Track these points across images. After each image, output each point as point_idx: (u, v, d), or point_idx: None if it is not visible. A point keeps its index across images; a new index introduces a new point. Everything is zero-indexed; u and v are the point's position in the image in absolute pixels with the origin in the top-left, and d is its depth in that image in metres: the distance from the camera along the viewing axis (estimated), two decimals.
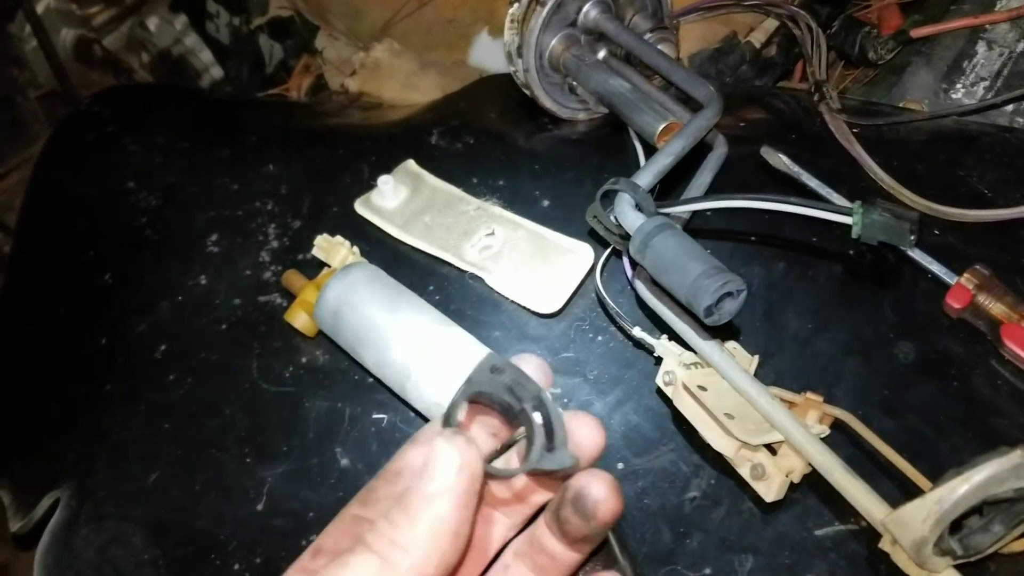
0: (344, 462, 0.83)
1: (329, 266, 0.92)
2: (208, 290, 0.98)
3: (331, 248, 0.92)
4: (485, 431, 0.53)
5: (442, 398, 0.75)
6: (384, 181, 0.98)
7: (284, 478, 0.83)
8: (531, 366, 0.52)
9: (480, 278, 0.92)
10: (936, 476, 0.63)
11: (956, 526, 0.63)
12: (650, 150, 0.96)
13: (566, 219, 0.96)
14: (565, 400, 0.84)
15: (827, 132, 1.01)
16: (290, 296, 0.92)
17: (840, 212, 0.77)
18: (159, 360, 0.94)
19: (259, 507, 0.81)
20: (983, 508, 0.63)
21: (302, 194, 1.06)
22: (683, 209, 0.85)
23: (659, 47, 1.08)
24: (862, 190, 0.94)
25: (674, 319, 0.80)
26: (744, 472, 0.73)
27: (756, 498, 0.74)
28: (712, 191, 0.93)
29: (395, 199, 1.00)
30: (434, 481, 0.43)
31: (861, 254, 0.88)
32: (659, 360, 0.81)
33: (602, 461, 0.74)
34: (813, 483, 0.73)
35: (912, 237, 0.76)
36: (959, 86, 1.20)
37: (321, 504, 0.81)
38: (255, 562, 0.79)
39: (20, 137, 1.90)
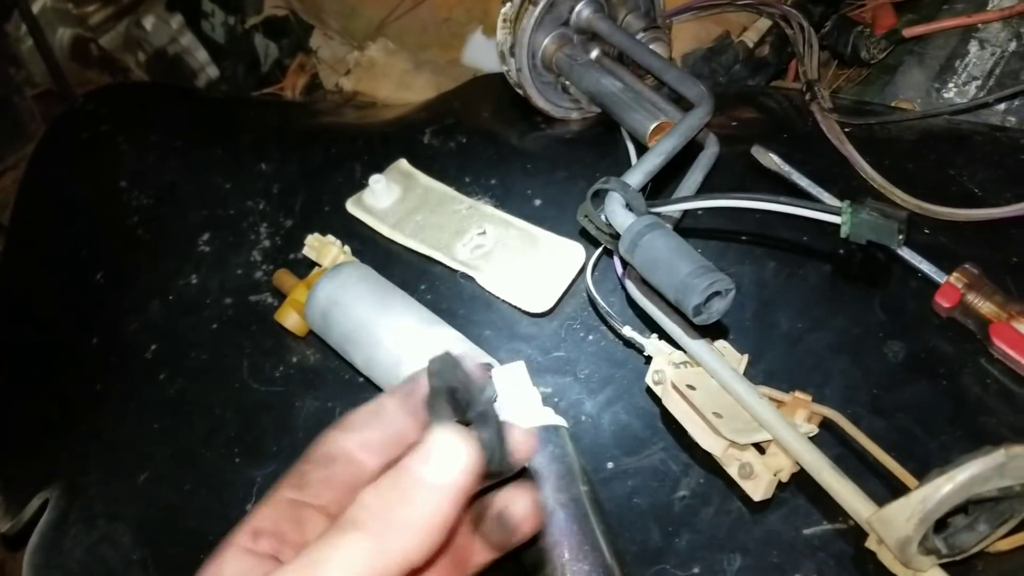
0: None
1: (320, 265, 0.92)
2: (200, 289, 0.98)
3: (322, 247, 0.92)
4: None
5: None
6: (376, 180, 0.99)
7: (274, 478, 0.82)
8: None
9: (471, 277, 0.92)
10: (924, 475, 0.63)
11: (941, 525, 0.63)
12: (642, 149, 0.96)
13: (558, 218, 0.96)
14: (556, 399, 0.84)
15: (819, 131, 1.01)
16: (281, 296, 0.92)
17: (829, 211, 0.77)
18: (150, 359, 0.94)
19: (248, 507, 0.81)
20: (968, 507, 0.63)
21: (295, 193, 1.06)
22: (673, 208, 0.85)
23: (651, 47, 1.08)
24: (853, 189, 0.94)
25: (663, 318, 0.80)
26: (732, 471, 0.73)
27: (745, 497, 0.74)
28: (704, 190, 0.93)
29: (387, 198, 1.00)
30: (439, 474, 0.43)
31: (851, 253, 0.88)
32: (649, 359, 0.81)
33: (592, 460, 0.75)
34: (801, 482, 0.73)
35: (900, 236, 0.76)
36: (951, 85, 1.20)
37: None
38: None
39: (17, 136, 1.90)
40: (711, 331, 0.82)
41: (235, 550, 0.45)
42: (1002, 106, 1.13)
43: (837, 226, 0.80)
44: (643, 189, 0.89)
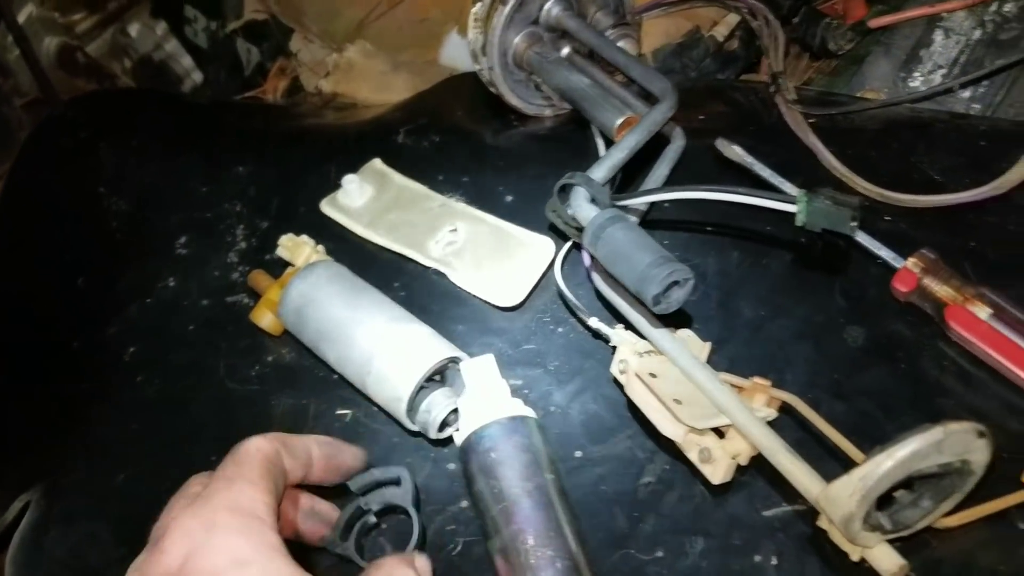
0: None
1: (294, 265, 0.93)
2: (177, 291, 1.00)
3: (295, 247, 0.94)
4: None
5: (402, 392, 0.77)
6: (349, 180, 1.00)
7: None
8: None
9: (444, 274, 0.94)
10: None
11: (887, 501, 0.65)
12: (612, 144, 0.97)
13: (529, 213, 0.98)
14: (526, 391, 0.86)
15: (783, 123, 1.03)
16: (257, 296, 0.93)
17: (785, 200, 0.79)
18: (129, 362, 0.95)
19: None
20: (913, 483, 0.64)
21: (271, 195, 1.07)
22: (635, 201, 0.87)
23: (620, 43, 1.10)
24: (817, 179, 0.96)
25: (627, 308, 0.82)
26: (692, 456, 0.74)
27: (707, 481, 0.76)
28: (670, 182, 0.95)
29: (361, 198, 1.02)
30: None
31: (812, 242, 0.90)
32: (615, 349, 0.82)
33: (561, 449, 0.77)
34: (761, 466, 0.74)
35: (854, 223, 0.78)
36: (917, 74, 1.21)
37: None
38: None
39: (5, 145, 1.91)
40: (676, 320, 0.83)
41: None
42: (967, 93, 1.15)
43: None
44: (612, 181, 0.91)
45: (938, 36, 1.23)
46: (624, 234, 0.78)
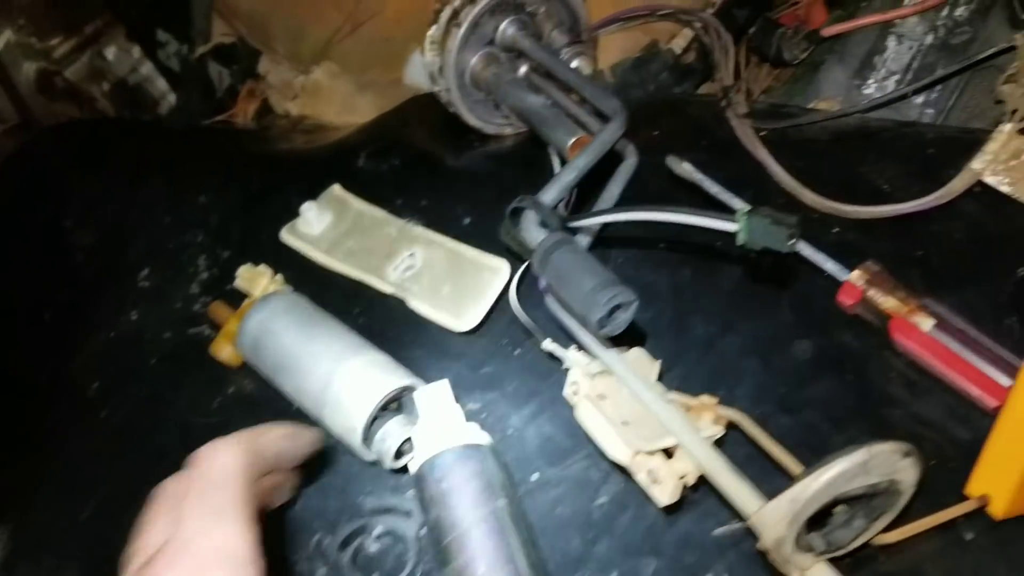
0: None
1: (251, 297, 0.94)
2: (139, 325, 1.01)
3: (253, 278, 0.95)
4: None
5: (355, 423, 0.78)
6: (307, 208, 1.01)
7: None
8: None
9: (402, 299, 0.95)
10: None
11: (822, 521, 0.66)
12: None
13: (488, 235, 0.99)
14: (484, 415, 0.87)
15: (735, 137, 1.04)
16: (218, 328, 0.94)
17: (725, 220, 0.80)
18: (93, 396, 0.96)
19: None
20: (846, 503, 0.66)
21: (233, 224, 1.08)
22: (584, 223, 0.88)
23: (575, 62, 1.11)
24: (767, 192, 0.97)
25: (578, 330, 0.83)
26: (640, 477, 0.75)
27: None
28: (624, 200, 0.97)
29: (320, 225, 1.03)
30: None
31: (762, 256, 0.91)
32: (569, 371, 0.84)
33: (518, 472, 0.78)
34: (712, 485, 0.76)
35: (791, 242, 0.79)
36: (871, 81, 1.23)
37: None
38: None
39: None
40: (630, 339, 0.85)
41: None
42: (920, 99, 1.17)
43: None
44: (568, 200, 0.92)
45: (891, 42, 1.24)
46: (570, 258, 0.79)
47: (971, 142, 0.96)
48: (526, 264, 0.94)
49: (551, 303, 0.87)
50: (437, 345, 0.93)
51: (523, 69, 1.13)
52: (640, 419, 0.77)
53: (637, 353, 0.84)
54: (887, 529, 0.69)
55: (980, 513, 0.74)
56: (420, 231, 1.00)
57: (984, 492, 0.72)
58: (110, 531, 0.84)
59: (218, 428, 0.85)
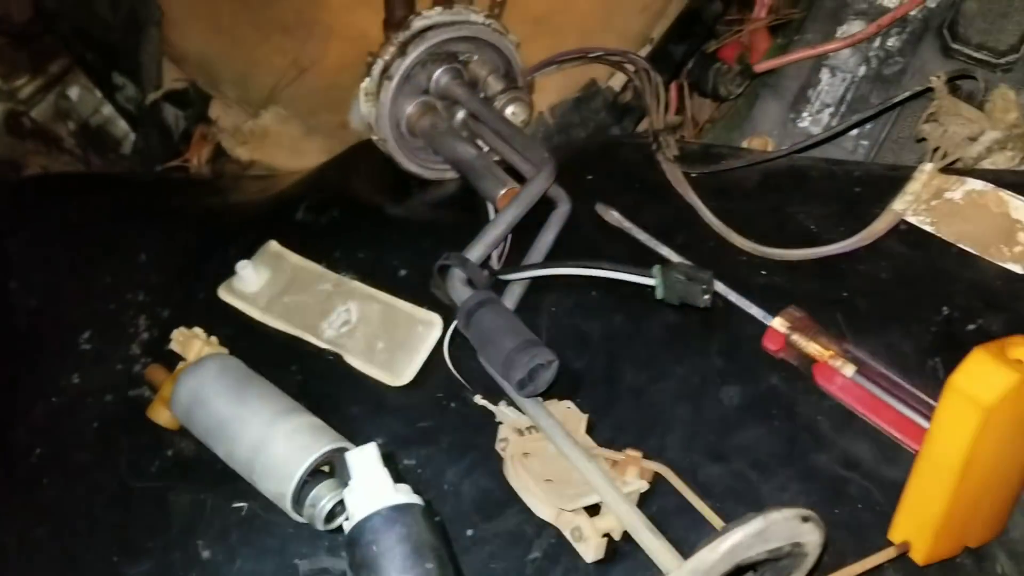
0: (206, 554, 0.86)
1: (185, 360, 0.95)
2: (81, 388, 1.01)
3: (186, 341, 0.95)
4: None
5: (285, 488, 0.79)
6: (242, 266, 1.02)
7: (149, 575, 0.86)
8: None
9: (339, 355, 0.96)
10: None
11: None
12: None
13: (423, 287, 0.99)
14: (419, 471, 0.88)
15: (666, 180, 1.05)
16: (156, 390, 0.95)
17: (644, 275, 0.81)
18: (34, 464, 0.97)
19: None
20: (754, 567, 0.67)
21: (172, 283, 1.09)
22: (512, 277, 0.89)
23: (511, 107, 1.12)
24: (696, 236, 0.98)
25: (506, 385, 0.83)
26: (567, 534, 0.76)
27: None
28: (558, 246, 0.98)
29: (256, 282, 1.03)
30: None
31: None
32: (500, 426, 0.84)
33: (453, 528, 0.79)
34: None
35: (706, 297, 0.80)
36: (806, 115, 1.24)
37: None
38: None
39: None
40: (560, 390, 0.86)
41: None
42: (855, 132, 1.18)
43: None
44: (502, 249, 0.93)
45: (824, 75, 1.26)
46: (491, 318, 0.80)
47: (897, 179, 0.97)
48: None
49: (482, 357, 0.87)
50: (373, 400, 0.93)
51: (460, 116, 1.14)
52: (566, 476, 0.77)
53: (566, 406, 0.85)
54: None
55: (906, 557, 0.74)
56: (356, 285, 1.01)
57: (905, 538, 0.73)
58: None
59: (157, 493, 0.86)
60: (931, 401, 0.78)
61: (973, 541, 0.74)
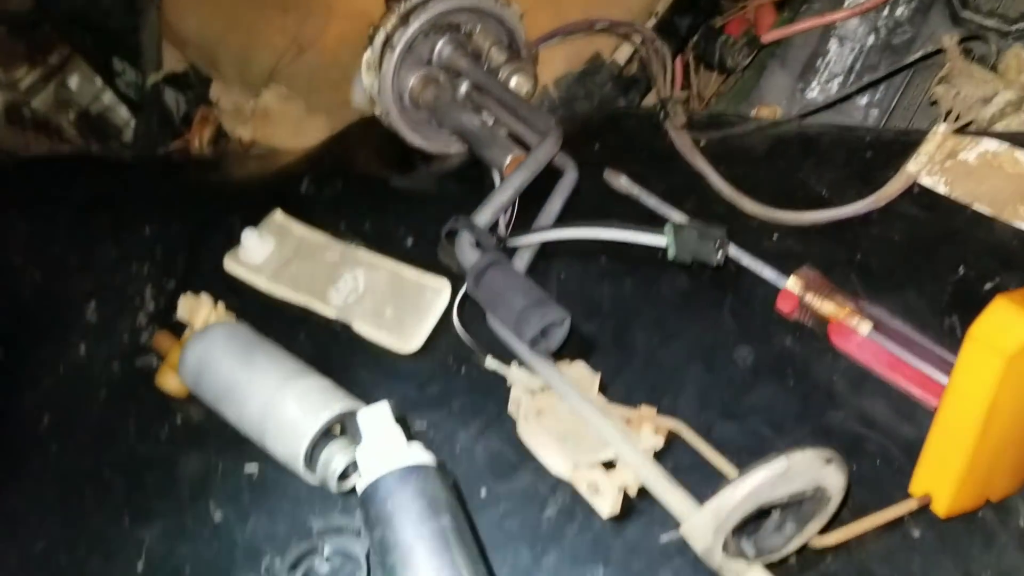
0: (217, 516, 0.85)
1: (192, 327, 0.94)
2: (87, 358, 1.01)
3: (193, 308, 0.95)
4: None
5: (297, 449, 0.78)
6: (248, 235, 1.01)
7: (161, 537, 0.85)
8: None
9: (347, 323, 0.95)
10: None
11: (757, 526, 0.66)
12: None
13: (431, 256, 0.99)
14: (431, 434, 0.87)
15: (674, 148, 1.04)
16: (163, 358, 0.94)
17: (655, 234, 0.80)
18: (43, 432, 0.96)
19: (139, 567, 0.84)
20: (777, 509, 0.66)
21: (177, 254, 1.08)
22: (520, 242, 0.89)
23: (514, 78, 1.11)
24: (706, 203, 0.98)
25: (517, 346, 0.83)
26: (582, 490, 0.76)
27: None
28: (565, 214, 0.97)
29: (262, 252, 1.02)
30: None
31: (703, 266, 0.91)
32: (512, 388, 0.84)
33: (466, 489, 0.78)
34: None
35: (719, 254, 0.79)
36: (814, 84, 1.24)
37: (197, 559, 0.83)
38: None
39: None
40: (571, 353, 0.85)
41: None
42: (864, 100, 1.17)
43: None
44: (509, 217, 0.92)
45: (833, 45, 1.25)
46: (501, 278, 0.79)
47: (908, 143, 0.97)
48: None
49: (493, 320, 0.87)
50: (383, 367, 0.93)
51: (463, 87, 1.14)
52: (580, 433, 0.77)
53: (578, 367, 0.84)
54: (827, 531, 0.69)
55: (927, 511, 0.74)
56: (362, 254, 1.00)
57: (926, 491, 0.72)
58: (61, 566, 0.84)
59: (166, 458, 0.86)
60: (949, 357, 0.77)
61: (995, 495, 0.74)
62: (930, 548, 0.74)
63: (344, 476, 0.80)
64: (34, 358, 1.04)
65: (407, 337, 0.92)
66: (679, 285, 0.92)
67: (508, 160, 0.97)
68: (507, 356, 0.86)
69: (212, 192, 1.20)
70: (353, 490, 0.82)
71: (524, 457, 0.83)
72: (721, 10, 1.42)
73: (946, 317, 0.84)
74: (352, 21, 1.36)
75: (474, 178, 1.09)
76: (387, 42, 1.05)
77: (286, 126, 1.53)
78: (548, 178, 1.00)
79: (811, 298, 0.83)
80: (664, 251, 0.90)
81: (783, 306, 0.84)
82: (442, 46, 1.10)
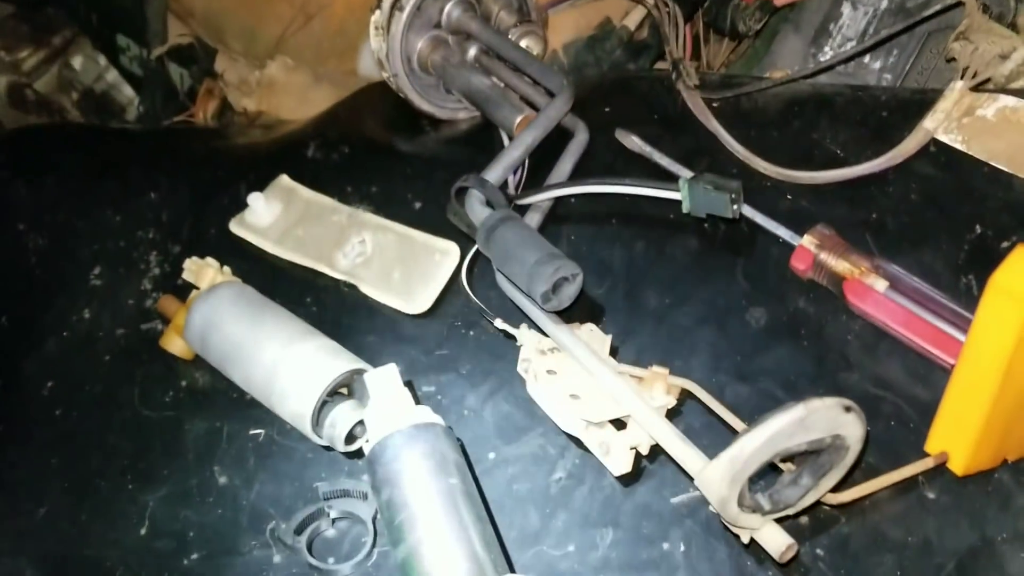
0: (223, 480, 0.84)
1: (198, 288, 0.93)
2: (92, 323, 1.00)
3: (199, 270, 0.94)
4: None
5: (304, 409, 0.77)
6: (254, 199, 1.00)
7: (165, 501, 0.84)
8: None
9: (354, 285, 0.94)
10: None
11: (770, 482, 0.65)
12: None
13: (439, 219, 0.98)
14: (439, 397, 0.86)
15: (687, 110, 1.03)
16: (168, 322, 0.93)
17: (668, 189, 0.79)
18: (46, 396, 0.95)
19: (142, 531, 0.83)
20: (794, 460, 0.65)
21: (183, 220, 1.07)
22: (531, 199, 0.87)
23: (524, 41, 1.10)
24: (720, 163, 0.96)
25: (528, 306, 0.82)
26: (593, 449, 0.75)
27: None
28: (576, 175, 0.96)
29: (268, 215, 1.01)
30: None
31: (715, 226, 0.90)
32: (522, 349, 0.83)
33: (475, 452, 0.77)
34: (668, 454, 0.75)
35: (734, 207, 0.78)
36: (827, 48, 1.22)
37: (201, 523, 0.82)
38: None
39: None
40: (582, 315, 0.84)
41: None
42: (878, 64, 1.15)
43: None
44: (519, 179, 0.91)
45: (846, 8, 1.23)
46: (513, 234, 0.78)
47: (924, 102, 0.96)
48: (477, 246, 0.93)
49: (502, 282, 0.86)
50: (391, 329, 0.92)
51: (472, 51, 1.12)
52: (591, 392, 0.76)
53: (589, 329, 0.83)
54: (840, 489, 0.68)
55: (942, 472, 0.73)
56: (370, 217, 0.99)
57: (943, 449, 0.71)
58: (63, 530, 0.84)
59: (171, 422, 0.85)
60: (967, 314, 0.76)
61: (1012, 454, 0.72)
62: (945, 509, 0.73)
63: (351, 439, 0.79)
64: (39, 323, 1.03)
65: (415, 299, 0.91)
66: (691, 247, 0.91)
67: (519, 119, 0.95)
68: (516, 321, 0.85)
69: (218, 158, 1.19)
70: (359, 452, 0.80)
71: (533, 420, 0.83)
72: None
73: (963, 276, 0.83)
74: None
75: (482, 143, 1.08)
76: (396, 3, 1.04)
77: (292, 97, 1.51)
78: (559, 141, 0.98)
79: (826, 256, 0.82)
80: (675, 214, 0.88)
81: (798, 263, 0.82)
82: (451, 8, 1.08)
